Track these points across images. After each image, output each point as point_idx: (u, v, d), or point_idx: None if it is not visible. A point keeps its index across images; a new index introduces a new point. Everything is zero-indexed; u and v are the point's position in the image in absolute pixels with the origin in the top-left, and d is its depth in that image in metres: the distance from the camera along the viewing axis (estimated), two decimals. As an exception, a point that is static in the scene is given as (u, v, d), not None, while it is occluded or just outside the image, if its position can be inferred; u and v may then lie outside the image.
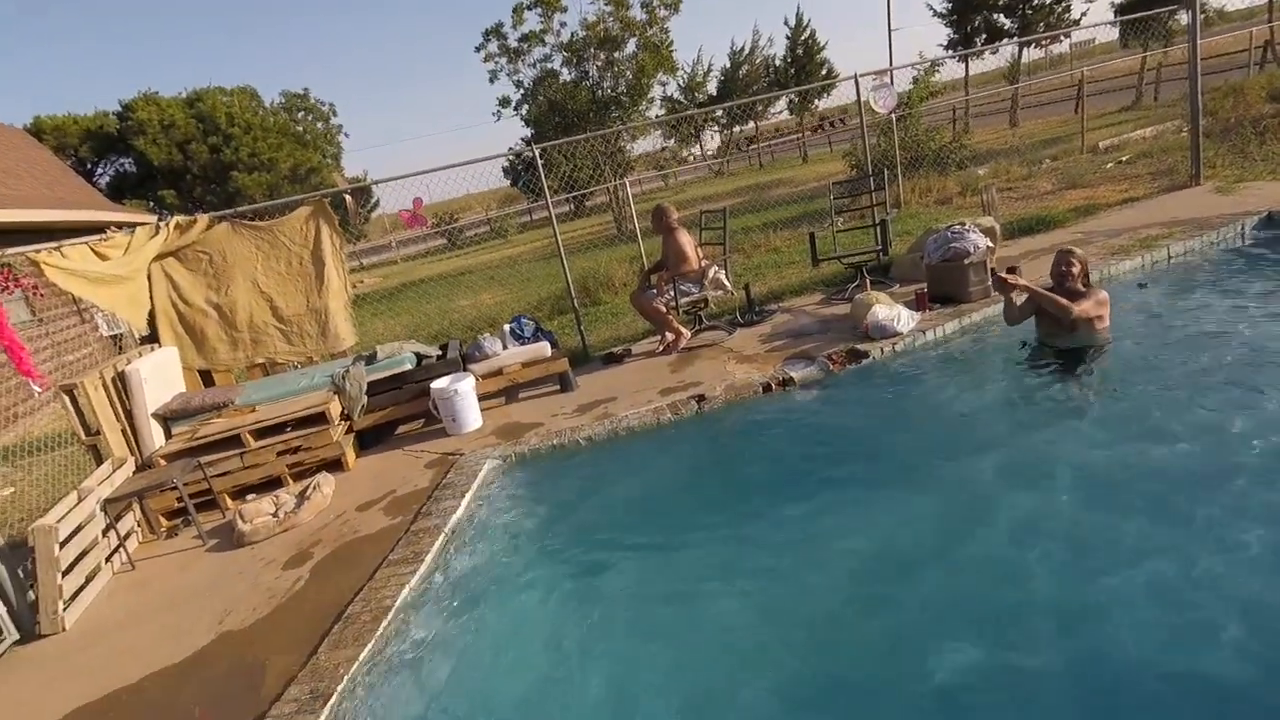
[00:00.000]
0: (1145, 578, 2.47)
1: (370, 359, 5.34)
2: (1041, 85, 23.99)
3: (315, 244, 5.67)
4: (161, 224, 5.43)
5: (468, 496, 4.06)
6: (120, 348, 6.23)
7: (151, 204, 21.88)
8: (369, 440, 5.29)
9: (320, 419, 4.79)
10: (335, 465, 4.86)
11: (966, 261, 5.37)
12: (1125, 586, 2.46)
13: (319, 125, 25.82)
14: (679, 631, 2.80)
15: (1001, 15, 21.08)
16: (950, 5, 21.62)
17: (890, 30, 26.16)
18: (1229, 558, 2.49)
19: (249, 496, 4.59)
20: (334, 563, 3.66)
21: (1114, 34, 20.36)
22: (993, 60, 22.30)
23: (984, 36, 21.39)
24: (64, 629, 3.53)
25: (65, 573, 3.62)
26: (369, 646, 2.87)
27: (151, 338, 5.51)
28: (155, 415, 4.78)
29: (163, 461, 4.56)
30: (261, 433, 4.73)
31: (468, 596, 3.26)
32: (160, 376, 5.01)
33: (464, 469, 4.45)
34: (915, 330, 5.03)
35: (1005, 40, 21.15)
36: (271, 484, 4.73)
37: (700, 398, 4.71)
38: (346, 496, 4.44)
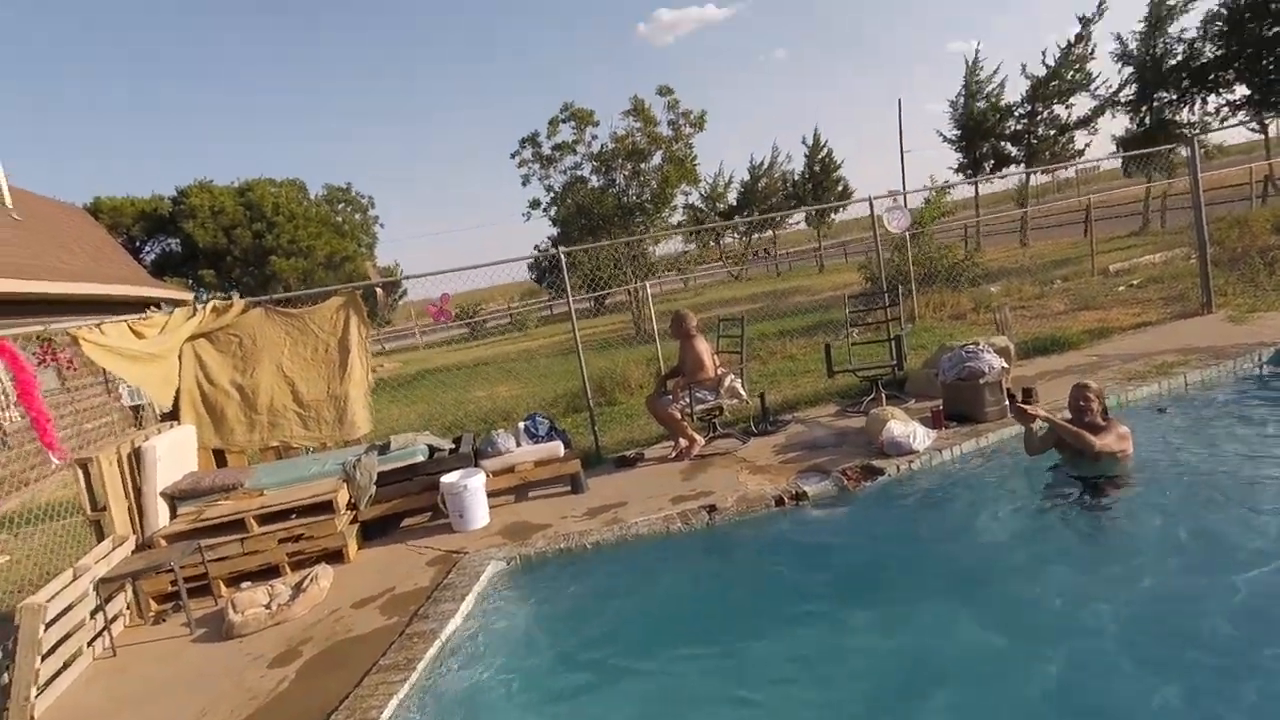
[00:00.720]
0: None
1: (384, 448, 5.34)
2: (1050, 209, 24.82)
3: (343, 333, 5.83)
4: (199, 306, 5.64)
5: (468, 600, 3.94)
6: (140, 419, 6.32)
7: (190, 281, 22.79)
8: (373, 531, 5.22)
9: (327, 507, 4.74)
10: (336, 556, 4.77)
11: (982, 381, 5.38)
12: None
13: (357, 216, 27.16)
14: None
15: (1008, 143, 22.09)
16: (959, 133, 22.73)
17: (903, 153, 27.52)
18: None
19: (243, 585, 4.48)
20: (323, 663, 3.52)
21: (1118, 161, 21.14)
22: (1001, 182, 23.19)
23: (992, 162, 22.33)
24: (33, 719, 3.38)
25: (45, 655, 3.50)
26: (351, 761, 2.71)
27: (171, 414, 5.59)
28: (163, 494, 4.77)
29: (164, 542, 4.50)
30: (266, 518, 4.69)
31: (459, 711, 3.10)
32: (174, 455, 5.04)
33: (466, 569, 4.34)
34: (931, 449, 4.98)
35: (1012, 168, 22.05)
36: (269, 572, 4.64)
37: (711, 508, 4.63)
38: (344, 590, 4.32)
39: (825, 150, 33.92)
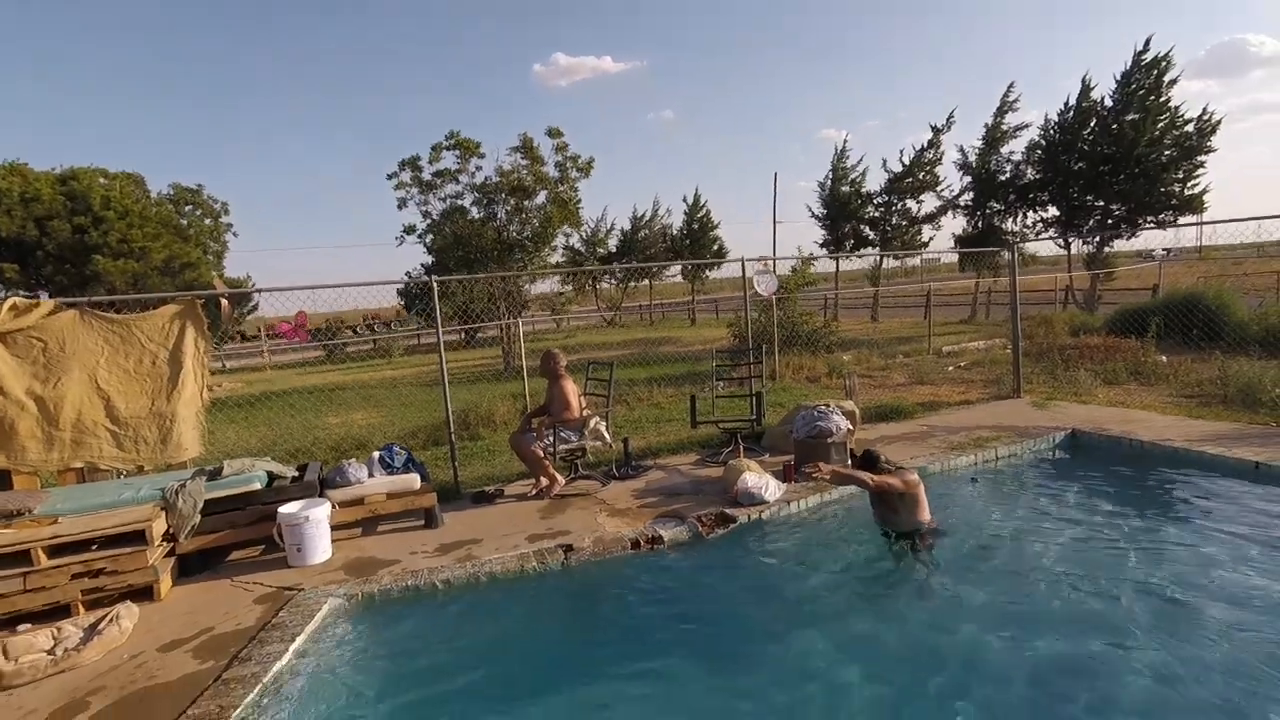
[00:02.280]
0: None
1: (215, 474, 4.85)
2: (898, 291, 27.60)
3: (176, 344, 5.26)
4: (-6, 301, 4.88)
5: (299, 640, 3.63)
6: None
7: (-16, 276, 19.61)
8: (194, 565, 4.68)
9: (137, 538, 4.20)
10: (145, 593, 4.22)
11: (829, 440, 5.80)
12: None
13: (206, 221, 24.79)
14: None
15: (867, 227, 24.49)
16: (825, 211, 24.92)
17: (775, 222, 29.58)
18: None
19: (20, 627, 3.84)
20: (114, 717, 3.08)
21: (955, 257, 23.96)
22: (859, 261, 25.51)
23: (852, 242, 24.60)
24: None
25: None
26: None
27: (-54, 424, 4.76)
28: (-76, 517, 4.03)
29: (-83, 574, 3.78)
30: (59, 550, 4.08)
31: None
32: (-56, 471, 4.29)
33: (300, 607, 4.00)
34: (780, 500, 5.27)
35: (868, 249, 24.38)
36: (57, 613, 4.01)
37: (568, 548, 4.61)
38: (150, 633, 3.83)
39: (704, 210, 35.68)
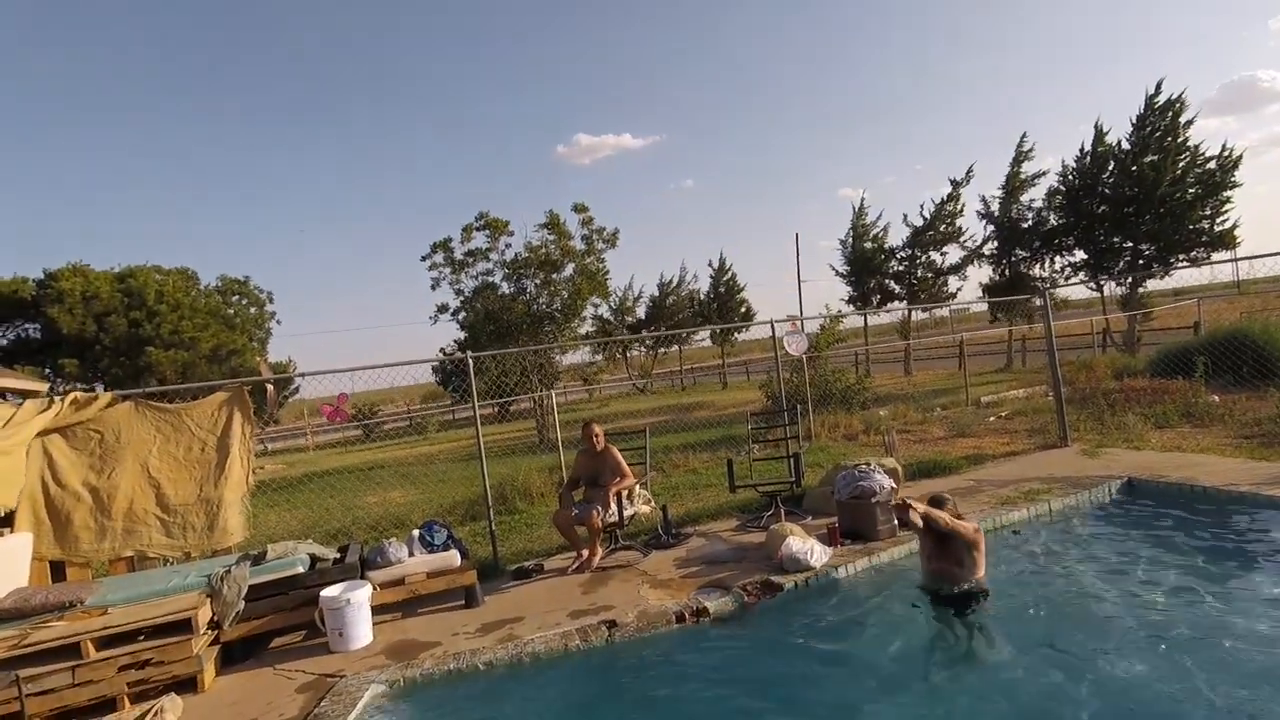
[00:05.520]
0: None
1: (259, 558, 4.89)
2: (930, 343, 27.30)
3: (224, 431, 5.42)
4: (55, 397, 5.12)
5: (340, 733, 3.55)
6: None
7: (48, 371, 20.56)
8: (237, 654, 4.66)
9: (184, 626, 4.22)
10: (189, 684, 4.20)
11: (874, 500, 5.64)
12: None
13: (252, 310, 25.81)
14: None
15: (892, 281, 24.52)
16: (849, 268, 25.05)
17: (800, 281, 29.75)
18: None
19: (68, 725, 3.84)
20: (159, 816, 3.03)
21: (984, 306, 23.78)
22: (887, 316, 25.43)
23: (878, 297, 24.60)
24: None
25: None
26: None
27: (5, 520, 4.92)
28: (-19, 613, 4.11)
29: (-28, 671, 3.83)
30: (108, 641, 4.10)
31: None
32: (1, 568, 4.39)
33: (341, 695, 3.94)
34: (827, 565, 5.10)
35: (894, 304, 24.35)
36: (103, 707, 4.00)
37: (612, 623, 4.49)
38: (193, 726, 3.79)
39: (730, 273, 36.13)
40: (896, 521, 5.35)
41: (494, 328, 17.31)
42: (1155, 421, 8.93)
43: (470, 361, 6.71)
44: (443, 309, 18.43)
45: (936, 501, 4.52)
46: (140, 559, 5.18)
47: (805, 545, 5.15)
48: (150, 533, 5.12)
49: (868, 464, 6.06)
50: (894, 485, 5.94)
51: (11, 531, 4.81)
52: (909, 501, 4.38)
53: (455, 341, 21.37)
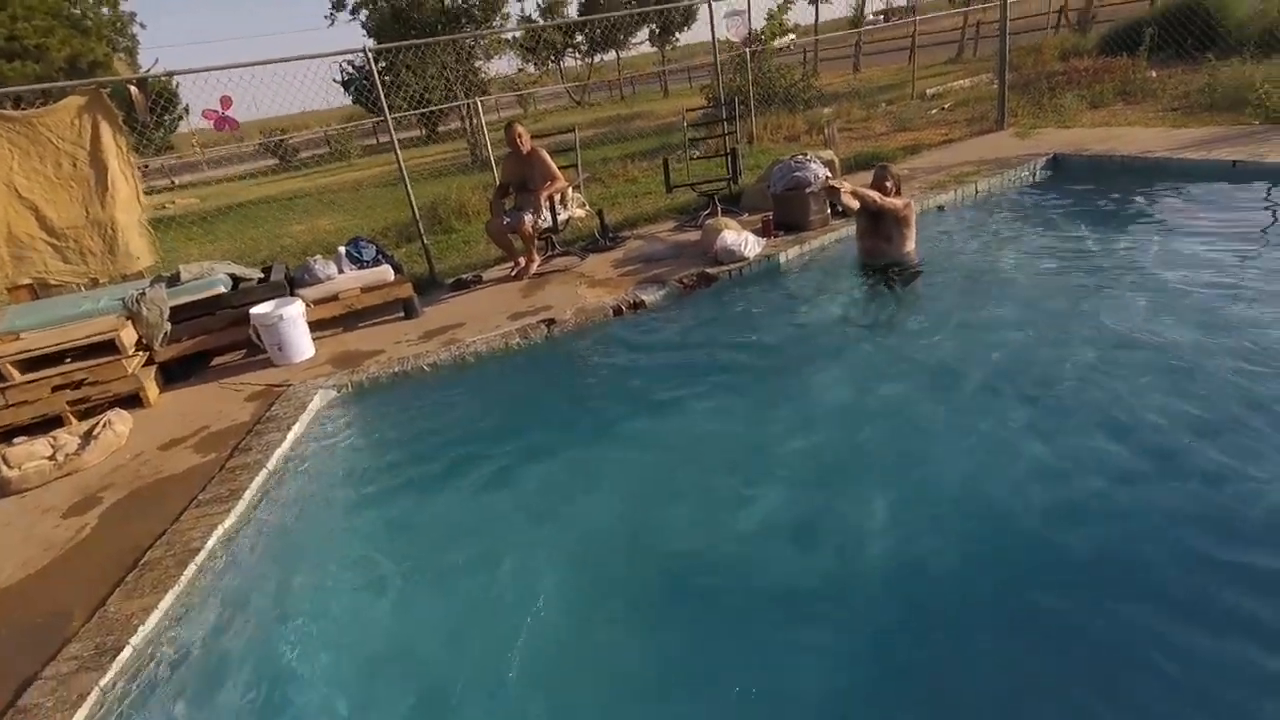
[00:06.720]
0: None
1: (173, 280, 4.66)
2: (882, 34, 25.34)
3: (93, 144, 4.76)
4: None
5: (295, 429, 3.71)
6: None
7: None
8: (177, 374, 4.68)
9: (109, 348, 4.14)
10: (133, 401, 4.25)
11: (808, 191, 5.56)
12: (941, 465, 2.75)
13: (104, 10, 21.47)
14: (532, 556, 2.72)
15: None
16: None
17: (747, -34, 26.22)
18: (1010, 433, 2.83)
19: (16, 440, 3.90)
20: (130, 507, 3.23)
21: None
22: (841, 9, 23.12)
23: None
24: None
25: None
26: (172, 593, 2.56)
27: None
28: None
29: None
30: (31, 364, 4.02)
31: (292, 538, 3.00)
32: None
33: (292, 400, 4.06)
34: (761, 255, 5.18)
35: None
36: (50, 424, 4.06)
37: (550, 321, 4.59)
38: (147, 435, 3.91)
39: (669, -42, 31.43)
40: (829, 208, 5.36)
41: (403, 29, 15.11)
42: (1091, 102, 8.81)
43: (370, 59, 5.86)
44: (338, 5, 15.84)
45: (880, 173, 4.53)
46: (43, 287, 4.88)
47: (740, 237, 5.16)
48: (43, 258, 4.75)
49: (804, 155, 5.87)
50: (829, 175, 5.83)
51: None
52: (837, 183, 4.34)
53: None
